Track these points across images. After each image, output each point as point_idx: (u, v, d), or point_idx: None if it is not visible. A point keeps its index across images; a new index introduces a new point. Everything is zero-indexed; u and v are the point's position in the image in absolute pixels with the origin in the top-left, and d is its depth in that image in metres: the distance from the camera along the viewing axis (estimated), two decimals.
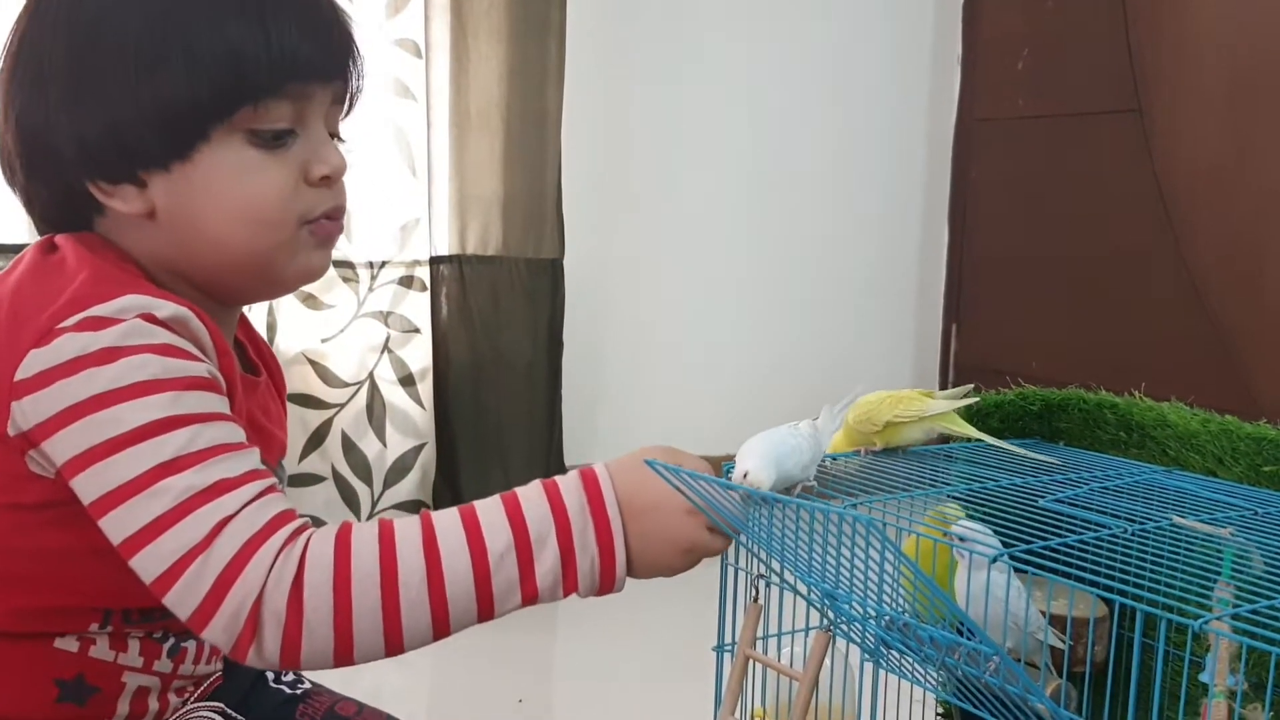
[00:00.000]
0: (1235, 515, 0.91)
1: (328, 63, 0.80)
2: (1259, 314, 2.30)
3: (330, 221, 0.82)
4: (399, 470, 2.23)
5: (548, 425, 2.34)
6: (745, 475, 0.81)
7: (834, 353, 2.85)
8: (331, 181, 0.81)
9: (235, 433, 0.73)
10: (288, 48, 0.76)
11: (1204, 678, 0.85)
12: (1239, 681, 0.82)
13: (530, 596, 0.73)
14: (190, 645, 0.84)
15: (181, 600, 0.69)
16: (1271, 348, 2.28)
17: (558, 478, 0.76)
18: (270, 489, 0.72)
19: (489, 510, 0.74)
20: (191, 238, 0.78)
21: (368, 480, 2.21)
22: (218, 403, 0.73)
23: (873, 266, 2.91)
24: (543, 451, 2.33)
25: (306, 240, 0.81)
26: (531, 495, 0.75)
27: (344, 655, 0.70)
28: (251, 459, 0.73)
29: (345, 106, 0.84)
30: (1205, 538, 0.85)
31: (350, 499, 2.20)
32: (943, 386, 3.05)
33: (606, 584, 0.75)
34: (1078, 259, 2.69)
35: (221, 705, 0.88)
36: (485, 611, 0.72)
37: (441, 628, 0.72)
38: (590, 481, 0.76)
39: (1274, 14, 2.26)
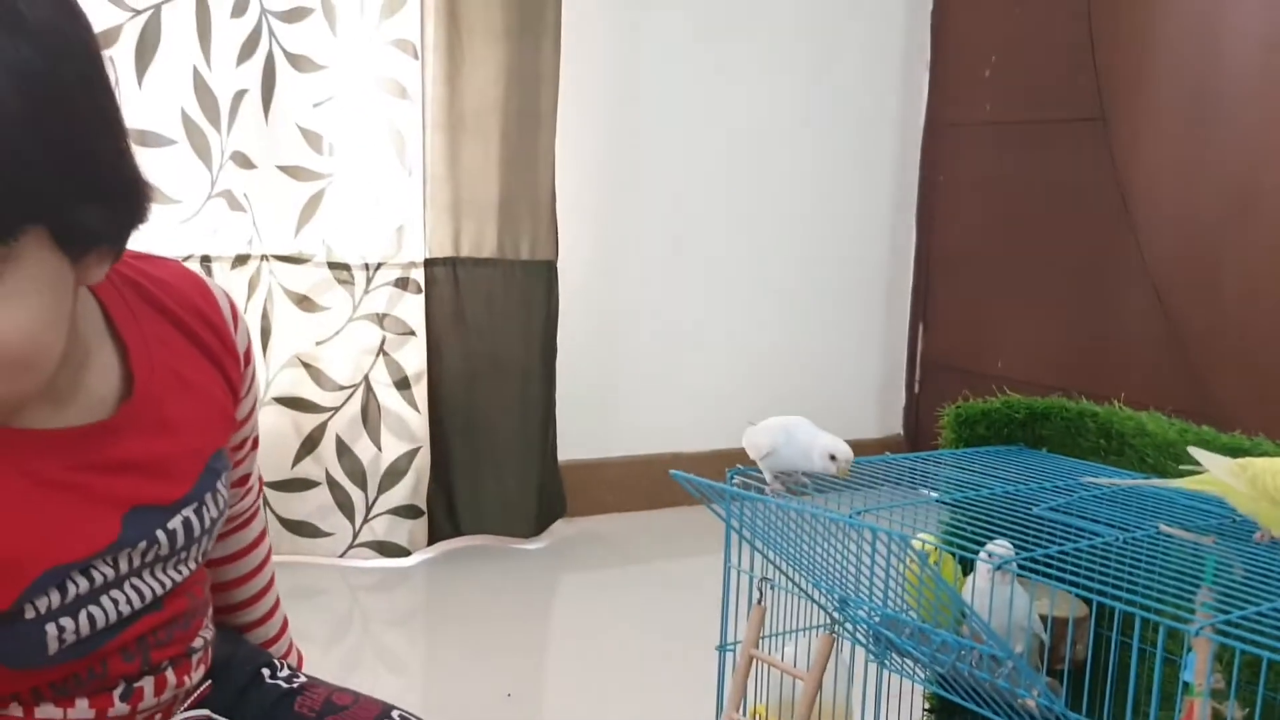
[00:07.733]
0: (1214, 522, 0.96)
1: None
2: (1217, 317, 2.38)
3: None
4: (393, 475, 2.19)
5: (542, 429, 2.32)
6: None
7: (804, 351, 2.90)
8: None
9: None
10: None
11: (1185, 676, 0.90)
12: (1216, 680, 0.87)
13: None
14: (146, 683, 0.81)
15: None
16: (1228, 349, 2.36)
17: None
18: None
19: None
20: None
21: (362, 485, 2.17)
22: None
23: (843, 267, 2.96)
24: (537, 455, 2.31)
25: None
26: None
27: None
28: None
29: None
30: (1189, 545, 0.90)
31: (344, 505, 2.16)
32: (909, 385, 3.11)
33: None
34: (1041, 261, 2.76)
35: (207, 712, 0.87)
36: None
37: None
38: None
39: (1233, 26, 2.34)
